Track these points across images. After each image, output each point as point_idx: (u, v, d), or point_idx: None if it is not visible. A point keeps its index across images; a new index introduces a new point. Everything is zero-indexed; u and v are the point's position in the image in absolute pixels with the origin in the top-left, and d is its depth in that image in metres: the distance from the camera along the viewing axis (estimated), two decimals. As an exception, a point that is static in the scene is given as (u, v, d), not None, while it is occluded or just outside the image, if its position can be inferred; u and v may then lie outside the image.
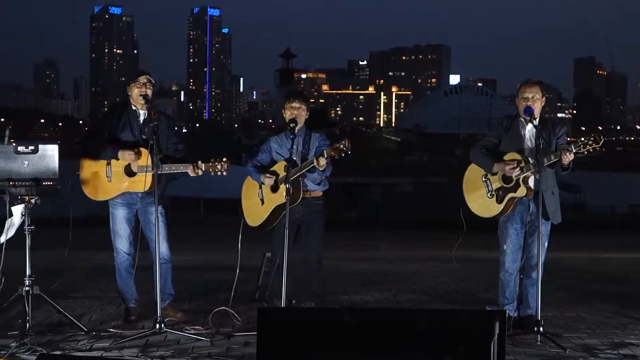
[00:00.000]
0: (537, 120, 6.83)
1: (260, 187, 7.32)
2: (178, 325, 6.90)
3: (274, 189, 7.21)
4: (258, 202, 7.33)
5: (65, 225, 7.06)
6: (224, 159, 6.83)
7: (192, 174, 6.91)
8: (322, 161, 6.83)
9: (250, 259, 7.78)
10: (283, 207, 6.93)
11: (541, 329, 6.50)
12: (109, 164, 7.00)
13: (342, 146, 6.75)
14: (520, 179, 6.80)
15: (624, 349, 6.38)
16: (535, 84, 6.97)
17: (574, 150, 6.58)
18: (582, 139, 6.61)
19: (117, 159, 6.95)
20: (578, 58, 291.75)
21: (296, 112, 7.23)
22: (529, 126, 6.91)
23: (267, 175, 7.20)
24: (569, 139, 7.07)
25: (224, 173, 6.85)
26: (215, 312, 7.05)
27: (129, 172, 6.98)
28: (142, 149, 6.91)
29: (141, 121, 7.09)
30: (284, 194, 6.81)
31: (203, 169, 6.86)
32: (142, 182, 6.87)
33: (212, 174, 6.89)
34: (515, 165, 6.78)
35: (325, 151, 6.85)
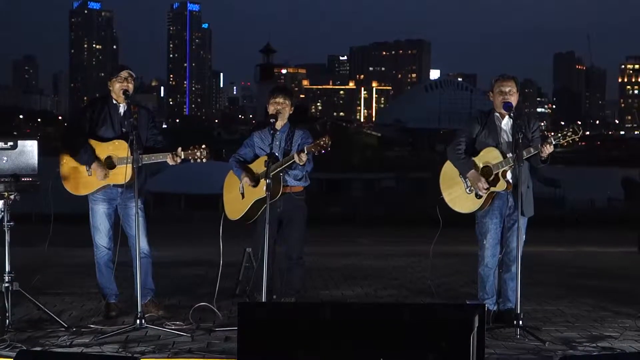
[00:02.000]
0: (514, 114, 6.86)
1: (242, 181, 7.34)
2: (159, 320, 6.88)
3: (255, 183, 7.23)
4: (239, 195, 7.34)
5: (45, 222, 7.03)
6: (203, 146, 6.83)
7: (171, 163, 6.91)
8: (303, 157, 6.87)
9: (231, 254, 7.78)
10: (263, 201, 6.96)
11: (520, 322, 6.54)
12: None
13: (322, 142, 6.79)
14: (499, 173, 6.84)
15: (603, 342, 6.42)
16: (510, 78, 7.01)
17: (554, 142, 6.62)
18: (562, 130, 6.66)
19: (89, 167, 6.93)
20: (558, 53, 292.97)
21: (279, 107, 7.24)
22: (505, 120, 6.95)
23: (247, 175, 7.21)
24: (547, 133, 7.11)
25: (204, 160, 6.86)
26: (196, 308, 7.05)
27: (109, 164, 6.97)
28: (121, 142, 6.88)
29: (122, 115, 7.08)
30: (264, 188, 6.83)
31: (182, 157, 6.86)
32: (123, 174, 6.85)
33: (192, 161, 6.89)
34: (485, 186, 6.81)
35: (305, 147, 6.88)
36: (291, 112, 7.35)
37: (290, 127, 7.32)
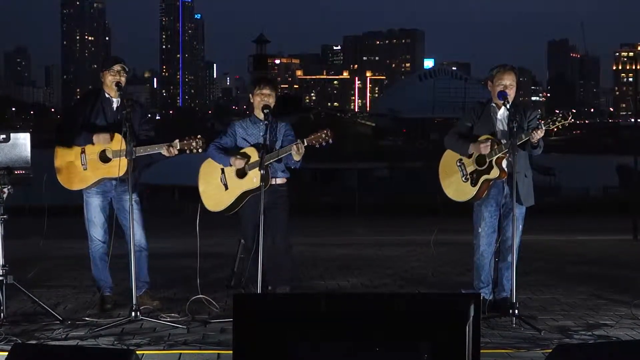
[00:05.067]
0: (510, 105, 6.84)
1: (223, 172, 7.26)
2: (154, 313, 6.88)
3: (240, 174, 7.17)
4: (220, 186, 7.26)
5: (39, 215, 7.01)
6: (199, 136, 6.81)
7: (167, 155, 6.88)
8: (302, 149, 6.81)
9: (226, 246, 7.78)
10: (250, 192, 6.93)
11: (516, 311, 6.54)
12: (83, 152, 6.95)
13: (323, 134, 6.74)
14: (494, 161, 6.82)
15: (598, 330, 6.43)
16: (511, 70, 6.97)
17: (544, 127, 6.61)
18: (552, 116, 6.66)
19: (93, 144, 6.90)
20: (552, 41, 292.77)
21: (267, 98, 7.20)
22: (501, 110, 6.93)
23: (238, 157, 7.14)
24: (539, 120, 7.11)
25: (200, 150, 6.84)
26: (192, 300, 7.03)
27: (104, 158, 6.94)
28: (116, 133, 6.86)
29: (114, 109, 7.05)
30: (255, 179, 6.80)
31: (178, 147, 6.83)
32: (117, 167, 6.82)
33: (188, 151, 6.86)
34: (488, 143, 6.80)
35: (305, 139, 6.81)
36: (274, 104, 7.30)
37: (273, 119, 7.26)
